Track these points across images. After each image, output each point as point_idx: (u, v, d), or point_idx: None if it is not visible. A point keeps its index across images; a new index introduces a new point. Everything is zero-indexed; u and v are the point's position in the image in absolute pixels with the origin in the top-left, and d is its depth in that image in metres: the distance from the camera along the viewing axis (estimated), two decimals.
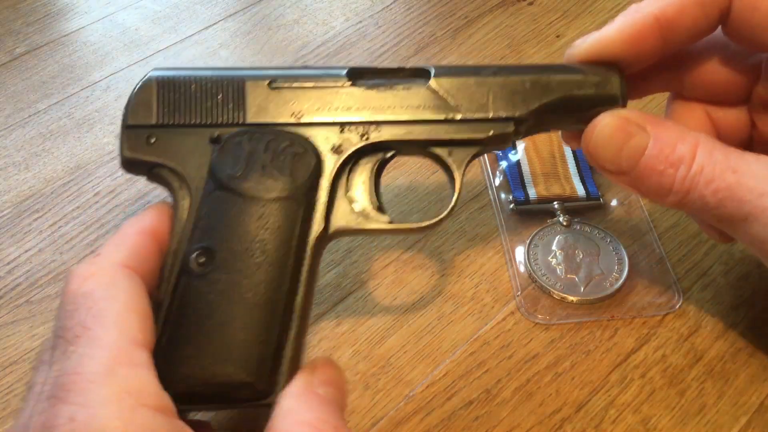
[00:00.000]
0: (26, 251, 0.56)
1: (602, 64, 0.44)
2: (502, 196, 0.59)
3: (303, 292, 0.39)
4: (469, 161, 0.44)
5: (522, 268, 0.54)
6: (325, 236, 0.41)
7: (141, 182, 0.55)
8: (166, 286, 0.38)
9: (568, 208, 0.57)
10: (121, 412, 0.29)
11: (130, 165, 0.42)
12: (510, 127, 0.43)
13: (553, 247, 0.55)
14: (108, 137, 0.65)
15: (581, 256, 0.54)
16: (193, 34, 0.75)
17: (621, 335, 0.51)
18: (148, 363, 0.33)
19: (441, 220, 0.44)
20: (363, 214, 0.42)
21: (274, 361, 0.37)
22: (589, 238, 0.55)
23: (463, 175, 0.44)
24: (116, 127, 0.65)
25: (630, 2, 0.76)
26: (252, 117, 0.42)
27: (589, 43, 0.44)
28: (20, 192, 0.61)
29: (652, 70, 0.46)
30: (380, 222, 0.43)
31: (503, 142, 0.44)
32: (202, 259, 0.38)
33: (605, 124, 0.42)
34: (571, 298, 0.52)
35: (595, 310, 0.52)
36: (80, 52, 0.73)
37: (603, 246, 0.55)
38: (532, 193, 0.58)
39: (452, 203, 0.44)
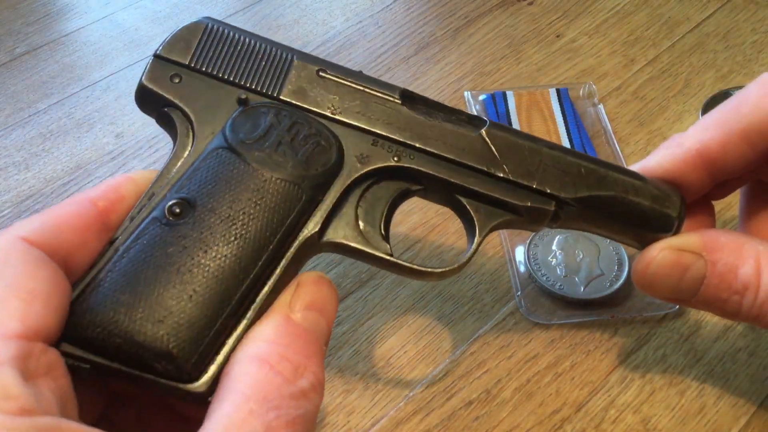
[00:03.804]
0: None
1: (667, 183, 0.41)
2: None
3: (270, 287, 0.35)
4: (494, 227, 0.40)
5: (522, 268, 0.54)
6: (317, 241, 0.37)
7: None
8: (128, 225, 0.34)
9: None
10: None
11: (144, 96, 0.39)
12: (550, 206, 0.40)
13: (553, 247, 0.55)
14: (108, 137, 0.65)
15: (581, 256, 0.54)
16: None
17: (621, 335, 0.51)
18: (14, 357, 0.27)
19: (444, 273, 0.40)
20: (365, 235, 0.39)
21: (210, 345, 0.32)
22: (589, 238, 0.55)
23: (484, 238, 0.40)
24: (116, 126, 0.65)
25: (629, 2, 0.76)
26: (287, 95, 0.39)
27: None
28: (20, 192, 0.61)
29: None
30: (380, 250, 0.39)
31: (538, 221, 0.41)
32: (177, 210, 0.34)
33: (660, 259, 0.39)
34: (571, 298, 0.52)
35: (595, 310, 0.52)
36: (80, 52, 0.73)
37: (603, 246, 0.55)
38: None
39: (465, 259, 0.40)
